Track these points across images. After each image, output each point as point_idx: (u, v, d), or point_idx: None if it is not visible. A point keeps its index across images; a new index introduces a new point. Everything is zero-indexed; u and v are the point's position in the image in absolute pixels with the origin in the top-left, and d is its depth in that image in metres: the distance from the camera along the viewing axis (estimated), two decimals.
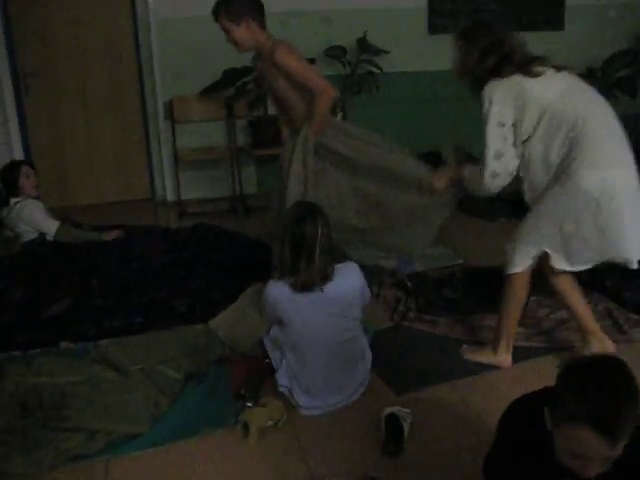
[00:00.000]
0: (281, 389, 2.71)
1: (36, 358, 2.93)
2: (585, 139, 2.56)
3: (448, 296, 3.63)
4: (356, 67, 5.57)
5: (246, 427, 2.51)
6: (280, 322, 2.71)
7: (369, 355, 2.85)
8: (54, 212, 4.47)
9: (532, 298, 3.43)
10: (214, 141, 5.74)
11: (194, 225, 4.64)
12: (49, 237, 4.25)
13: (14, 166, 4.42)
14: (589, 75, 5.99)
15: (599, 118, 2.64)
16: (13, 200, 4.28)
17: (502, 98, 2.65)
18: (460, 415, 2.61)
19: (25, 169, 4.36)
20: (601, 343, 2.92)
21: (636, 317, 3.37)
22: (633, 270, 2.73)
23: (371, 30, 5.57)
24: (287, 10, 5.49)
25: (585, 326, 2.96)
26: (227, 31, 3.27)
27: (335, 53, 5.53)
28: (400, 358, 3.09)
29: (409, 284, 3.72)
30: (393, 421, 2.47)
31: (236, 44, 3.31)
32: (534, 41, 6.07)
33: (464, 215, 5.06)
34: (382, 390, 2.81)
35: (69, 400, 2.53)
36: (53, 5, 5.45)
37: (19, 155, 5.42)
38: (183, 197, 5.72)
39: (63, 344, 3.22)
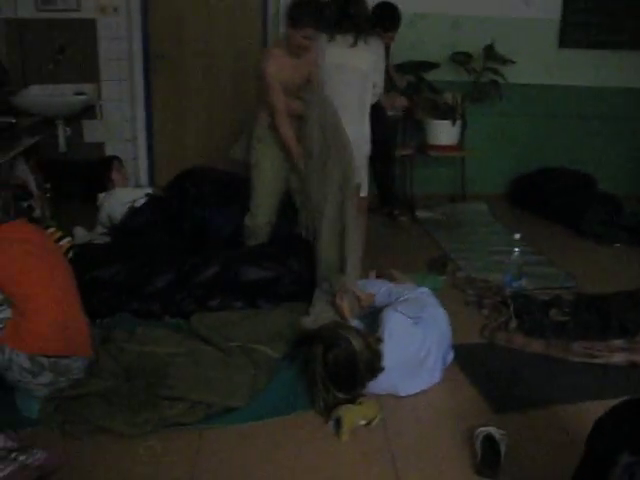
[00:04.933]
0: None
1: (138, 327, 3.03)
2: None
3: (555, 319, 3.49)
4: (480, 75, 5.46)
5: (339, 423, 2.49)
6: None
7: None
8: None
9: None
10: None
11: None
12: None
13: (106, 161, 4.70)
14: None
15: None
16: (100, 197, 4.46)
17: None
18: (559, 442, 2.50)
19: (116, 163, 4.65)
20: None
21: None
22: None
23: (499, 39, 5.45)
24: (415, 11, 5.44)
25: None
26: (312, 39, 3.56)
27: (460, 59, 5.45)
28: (499, 375, 3.00)
29: (512, 305, 3.58)
30: (490, 443, 2.40)
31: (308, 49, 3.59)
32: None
33: (579, 238, 4.89)
34: (480, 405, 2.74)
35: (172, 370, 2.60)
36: None
37: (141, 131, 5.67)
38: None
39: (166, 318, 3.31)
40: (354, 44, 3.69)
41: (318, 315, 3.14)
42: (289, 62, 3.59)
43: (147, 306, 3.36)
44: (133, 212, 4.19)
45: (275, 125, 3.62)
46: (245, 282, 3.47)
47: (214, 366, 2.69)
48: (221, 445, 2.41)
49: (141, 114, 5.70)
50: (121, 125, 5.61)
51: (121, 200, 4.35)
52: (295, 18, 3.42)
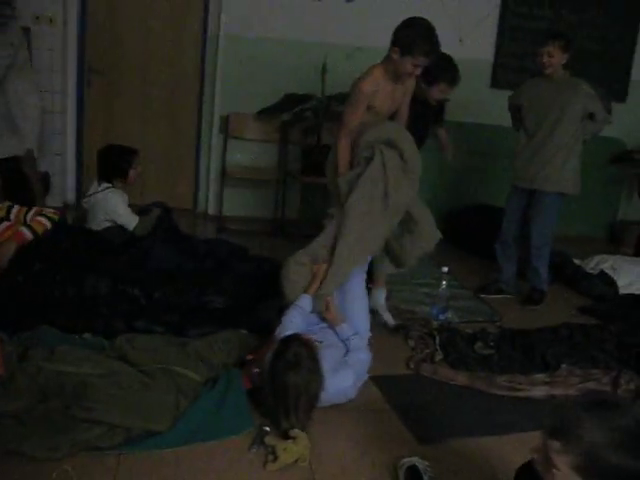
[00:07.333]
0: None
1: (59, 346, 2.89)
2: None
3: (480, 352, 3.55)
4: None
5: (273, 452, 2.42)
6: None
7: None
8: None
9: (563, 366, 3.37)
10: (264, 162, 5.76)
11: (207, 239, 4.57)
12: (129, 228, 4.05)
13: (131, 152, 4.13)
14: None
15: None
16: (104, 185, 4.08)
17: None
18: (481, 474, 2.51)
19: (135, 159, 4.12)
20: None
21: None
22: None
23: None
24: (352, 44, 5.53)
25: None
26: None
27: None
28: (423, 406, 3.01)
29: (437, 337, 3.62)
30: (414, 473, 2.39)
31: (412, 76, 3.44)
32: None
33: None
34: (405, 436, 2.73)
35: (91, 391, 2.49)
36: (127, 10, 5.58)
37: (71, 146, 5.53)
38: (224, 212, 5.72)
39: (86, 335, 3.18)
40: None
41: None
42: (388, 87, 3.40)
43: (68, 320, 3.20)
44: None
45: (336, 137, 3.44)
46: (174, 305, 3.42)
47: (135, 388, 2.59)
48: (140, 470, 2.32)
49: (72, 128, 5.58)
50: (51, 138, 5.45)
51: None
52: (410, 45, 3.21)
